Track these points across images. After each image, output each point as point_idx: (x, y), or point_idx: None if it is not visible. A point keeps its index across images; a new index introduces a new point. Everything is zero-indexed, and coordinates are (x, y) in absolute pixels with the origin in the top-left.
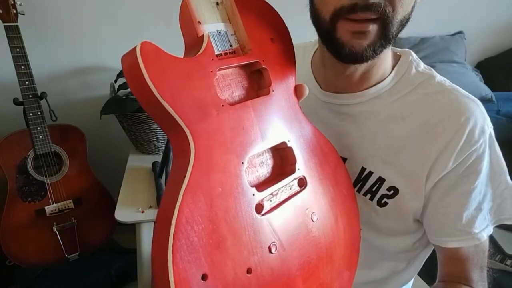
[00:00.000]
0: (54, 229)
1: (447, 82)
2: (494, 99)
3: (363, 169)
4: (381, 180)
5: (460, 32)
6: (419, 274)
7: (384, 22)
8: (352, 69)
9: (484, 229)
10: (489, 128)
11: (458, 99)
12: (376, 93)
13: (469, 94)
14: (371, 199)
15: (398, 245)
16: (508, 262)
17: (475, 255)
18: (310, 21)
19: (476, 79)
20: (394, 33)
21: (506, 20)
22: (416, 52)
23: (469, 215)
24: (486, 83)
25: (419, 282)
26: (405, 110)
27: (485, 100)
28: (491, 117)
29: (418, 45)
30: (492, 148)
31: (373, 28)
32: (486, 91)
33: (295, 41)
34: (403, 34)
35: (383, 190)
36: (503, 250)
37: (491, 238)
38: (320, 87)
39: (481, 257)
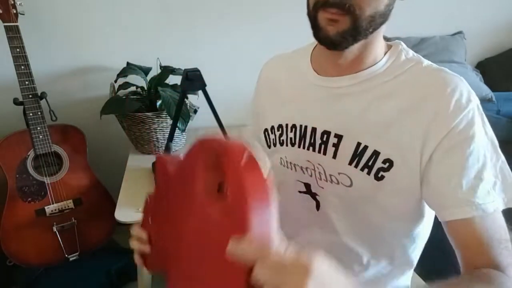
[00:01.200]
0: (54, 229)
1: (434, 65)
2: (494, 99)
3: (359, 144)
4: (376, 153)
5: (460, 32)
6: (417, 272)
7: (351, 17)
8: (342, 57)
9: (489, 202)
10: (476, 100)
11: (443, 75)
12: (369, 75)
13: (455, 73)
14: (368, 173)
15: (396, 228)
16: None
17: (492, 232)
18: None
19: (476, 79)
20: (365, 27)
21: (506, 20)
22: (416, 52)
23: (469, 183)
24: (486, 83)
25: (418, 280)
26: (396, 89)
27: (485, 100)
28: (491, 117)
29: (418, 45)
30: (482, 118)
31: (343, 19)
32: (486, 91)
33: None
34: (403, 34)
35: (379, 163)
36: None
37: None
38: (318, 74)
39: (500, 234)
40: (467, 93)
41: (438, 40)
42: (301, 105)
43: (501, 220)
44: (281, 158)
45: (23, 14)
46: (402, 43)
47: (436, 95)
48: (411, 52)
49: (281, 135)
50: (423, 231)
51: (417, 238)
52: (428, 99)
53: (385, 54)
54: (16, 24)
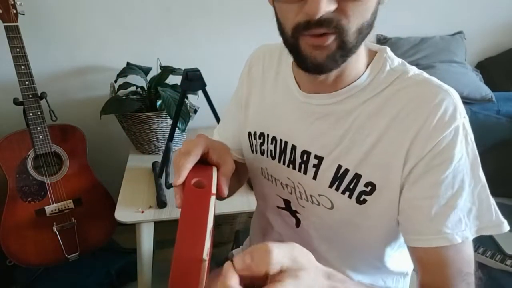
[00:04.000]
0: (54, 229)
1: (421, 75)
2: (494, 99)
3: (340, 166)
4: (357, 177)
5: (460, 32)
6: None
7: (340, 34)
8: (323, 75)
9: (458, 231)
10: (461, 117)
11: (428, 89)
12: (350, 92)
13: (443, 84)
14: (350, 196)
15: (381, 248)
16: (508, 262)
17: (454, 263)
18: None
19: (476, 79)
20: (354, 42)
21: (506, 20)
22: (416, 52)
23: (440, 210)
24: (486, 83)
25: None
26: (379, 107)
27: (485, 100)
28: (490, 117)
29: (418, 45)
30: (465, 137)
31: (330, 40)
32: (486, 91)
33: None
34: (403, 34)
35: (360, 187)
36: (503, 250)
37: (491, 238)
38: (299, 87)
39: (462, 266)
40: (452, 109)
41: (438, 40)
42: (283, 118)
43: (469, 250)
44: (261, 168)
45: (23, 14)
46: (388, 49)
47: (419, 111)
48: (396, 61)
49: (262, 144)
50: None
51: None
52: (410, 116)
53: (368, 65)
54: (16, 24)
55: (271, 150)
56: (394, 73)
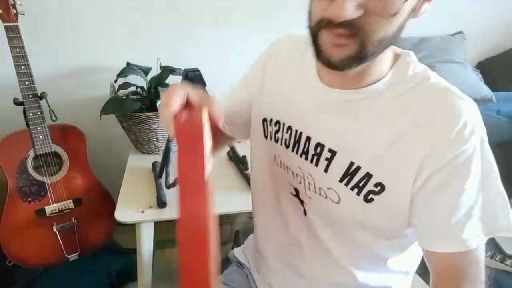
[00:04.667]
0: (54, 229)
1: (443, 83)
2: (494, 99)
3: (352, 163)
4: (368, 176)
5: (460, 32)
6: (418, 273)
7: (361, 40)
8: (344, 72)
9: (474, 237)
10: (481, 131)
11: (450, 99)
12: (371, 92)
13: (464, 95)
14: (358, 193)
15: (385, 245)
16: (508, 262)
17: (467, 267)
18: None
19: (476, 79)
20: (372, 51)
21: (506, 20)
22: (416, 52)
23: (458, 219)
24: (486, 83)
25: (418, 281)
26: (398, 108)
27: (485, 100)
28: (491, 117)
29: (418, 45)
30: (483, 151)
31: (350, 43)
32: (486, 91)
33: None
34: (403, 34)
35: (370, 186)
36: (503, 250)
37: (491, 238)
38: (321, 81)
39: (475, 270)
40: (473, 123)
41: (438, 40)
42: (300, 108)
43: (481, 256)
44: (275, 155)
45: (23, 14)
46: (412, 53)
47: (438, 121)
48: (419, 65)
49: (277, 131)
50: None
51: (411, 249)
52: (429, 124)
53: (391, 67)
54: (16, 24)
55: (285, 139)
56: (416, 77)
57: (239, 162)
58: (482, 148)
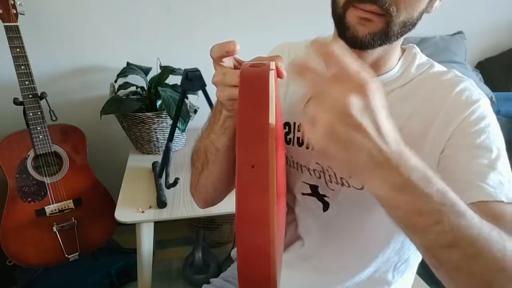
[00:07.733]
0: (54, 229)
1: (445, 68)
2: (494, 99)
3: None
4: None
5: (460, 32)
6: (419, 274)
7: (388, 18)
8: (360, 59)
9: (501, 191)
10: (486, 100)
11: (453, 77)
12: (385, 81)
13: (465, 76)
14: None
15: (401, 237)
16: None
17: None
18: (310, 21)
19: (476, 79)
20: (395, 32)
21: (506, 20)
22: None
23: (479, 169)
24: (486, 83)
25: (418, 281)
26: (408, 92)
27: None
28: None
29: (418, 45)
30: (493, 115)
31: (377, 20)
32: (486, 91)
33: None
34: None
35: None
36: None
37: None
38: None
39: None
40: (477, 93)
41: (438, 40)
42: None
43: None
44: (287, 157)
45: (23, 14)
46: (416, 46)
47: (446, 93)
48: (424, 57)
49: (287, 133)
50: None
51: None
52: (439, 98)
53: (399, 59)
54: (16, 24)
55: (298, 137)
56: (422, 66)
57: None
58: (492, 113)
